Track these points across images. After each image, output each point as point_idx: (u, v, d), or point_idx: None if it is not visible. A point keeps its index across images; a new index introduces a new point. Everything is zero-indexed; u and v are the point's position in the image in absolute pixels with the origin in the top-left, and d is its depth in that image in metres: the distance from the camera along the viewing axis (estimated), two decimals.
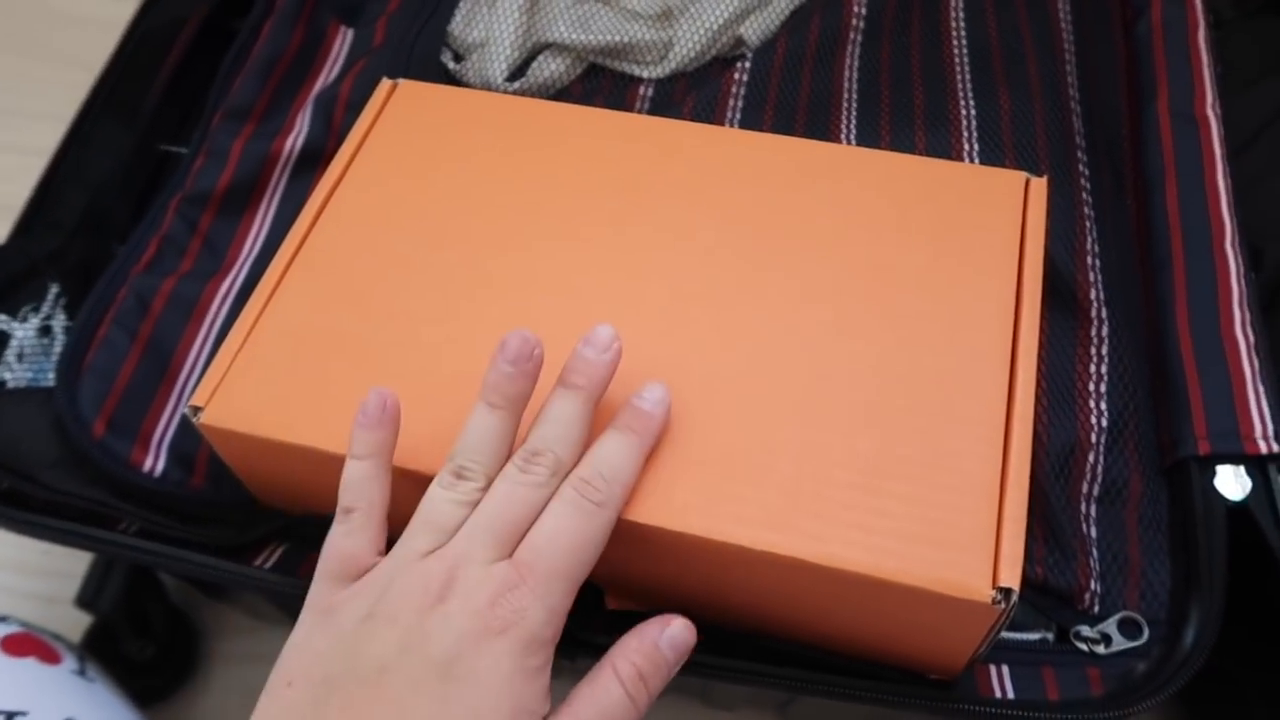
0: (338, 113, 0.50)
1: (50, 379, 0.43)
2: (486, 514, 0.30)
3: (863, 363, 0.35)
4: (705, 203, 0.40)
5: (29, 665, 0.40)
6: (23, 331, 0.43)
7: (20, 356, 0.43)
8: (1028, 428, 0.34)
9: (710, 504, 0.33)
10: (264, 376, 0.37)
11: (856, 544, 0.32)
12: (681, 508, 0.33)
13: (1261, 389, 0.40)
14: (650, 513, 0.33)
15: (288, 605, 0.47)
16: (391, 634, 0.28)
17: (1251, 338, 0.41)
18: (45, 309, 0.44)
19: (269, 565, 0.40)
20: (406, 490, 0.35)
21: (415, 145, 0.43)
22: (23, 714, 0.38)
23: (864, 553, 0.31)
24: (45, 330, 0.43)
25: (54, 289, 0.44)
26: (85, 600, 0.47)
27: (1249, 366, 0.40)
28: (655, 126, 0.43)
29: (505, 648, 0.28)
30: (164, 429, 0.42)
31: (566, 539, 0.30)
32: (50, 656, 0.41)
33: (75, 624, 0.48)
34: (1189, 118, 0.47)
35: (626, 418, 0.32)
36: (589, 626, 0.38)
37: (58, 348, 0.43)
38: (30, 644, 0.41)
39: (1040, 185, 0.40)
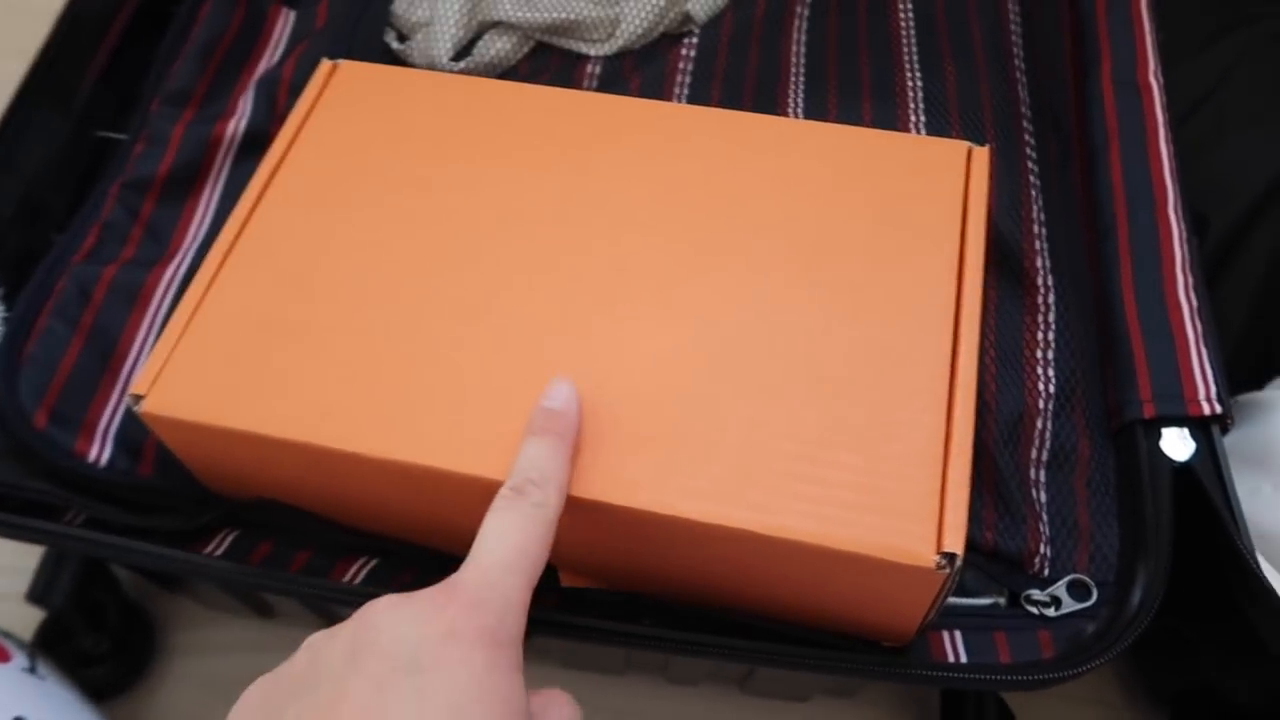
0: (281, 96, 0.49)
1: None
2: None
3: (807, 335, 0.35)
4: (651, 179, 0.40)
5: None
6: None
7: None
8: (970, 395, 0.34)
9: (659, 479, 0.33)
10: (206, 363, 0.36)
11: (803, 514, 0.32)
12: (631, 483, 0.33)
13: (1205, 352, 0.40)
14: (601, 489, 0.33)
15: (241, 593, 0.46)
16: (337, 645, 0.26)
17: (1195, 302, 0.41)
18: None
19: (220, 552, 0.39)
20: (355, 473, 0.35)
21: (357, 126, 0.42)
22: None
23: (811, 522, 0.32)
24: None
25: None
26: (36, 595, 0.47)
27: (1192, 330, 0.41)
28: (602, 104, 0.43)
29: (470, 642, 0.26)
30: (109, 418, 0.41)
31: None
32: (0, 654, 0.41)
33: (26, 620, 0.47)
34: (1132, 85, 0.48)
35: (539, 421, 0.32)
36: (543, 603, 0.38)
37: None
38: None
39: (982, 154, 0.40)
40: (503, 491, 0.30)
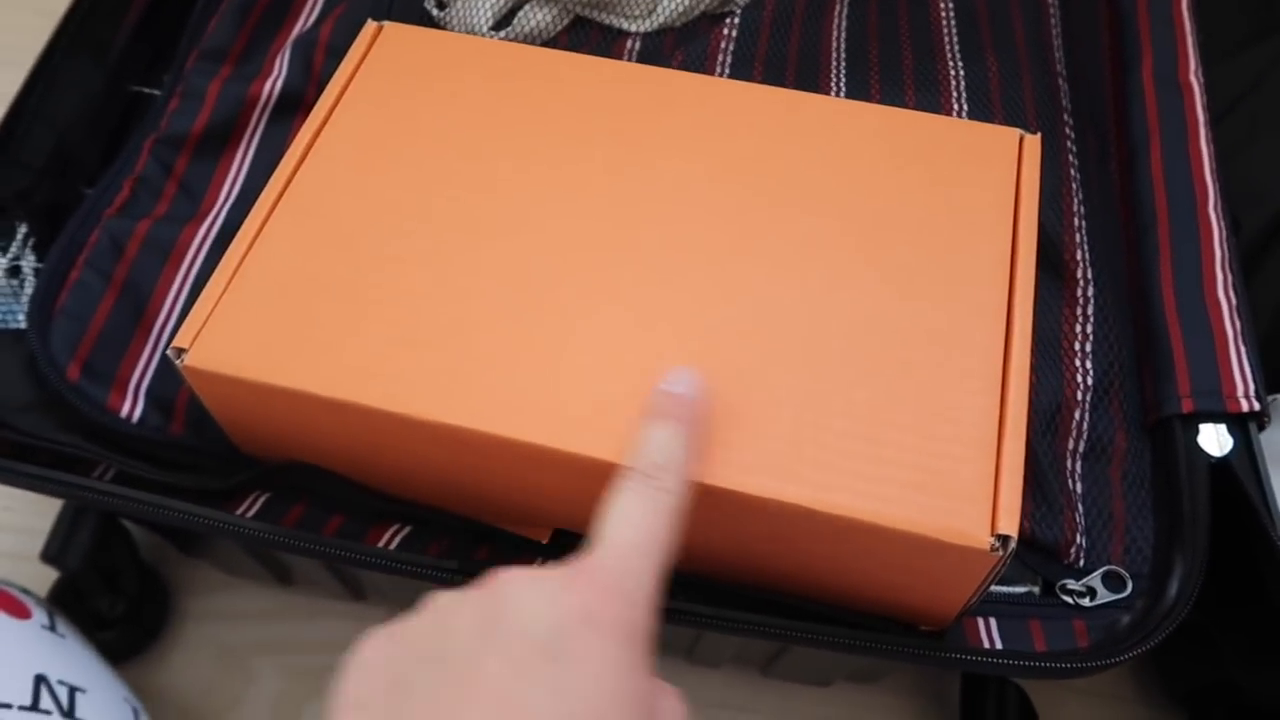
0: (317, 57, 0.48)
1: (20, 321, 0.41)
2: None
3: (861, 315, 0.35)
4: (700, 152, 0.40)
5: None
6: None
7: None
8: (1024, 380, 0.34)
9: (709, 450, 0.32)
10: (249, 319, 0.35)
11: (857, 492, 0.32)
12: None
13: (1243, 349, 0.40)
14: None
15: (266, 557, 0.46)
16: (466, 611, 0.25)
17: (1234, 299, 0.41)
18: (14, 249, 0.42)
19: (251, 514, 0.39)
20: (396, 436, 0.35)
21: (402, 89, 0.42)
22: None
23: (865, 500, 0.31)
24: (14, 271, 0.42)
25: (22, 229, 0.43)
26: (51, 556, 0.46)
27: (1231, 327, 0.41)
28: (647, 75, 0.43)
29: (608, 632, 0.24)
30: (141, 374, 0.40)
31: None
32: (20, 611, 0.40)
33: (40, 581, 0.46)
34: (1173, 84, 0.48)
35: (661, 405, 0.31)
36: None
37: (28, 289, 0.42)
38: None
39: (1034, 142, 0.40)
40: (628, 473, 0.29)
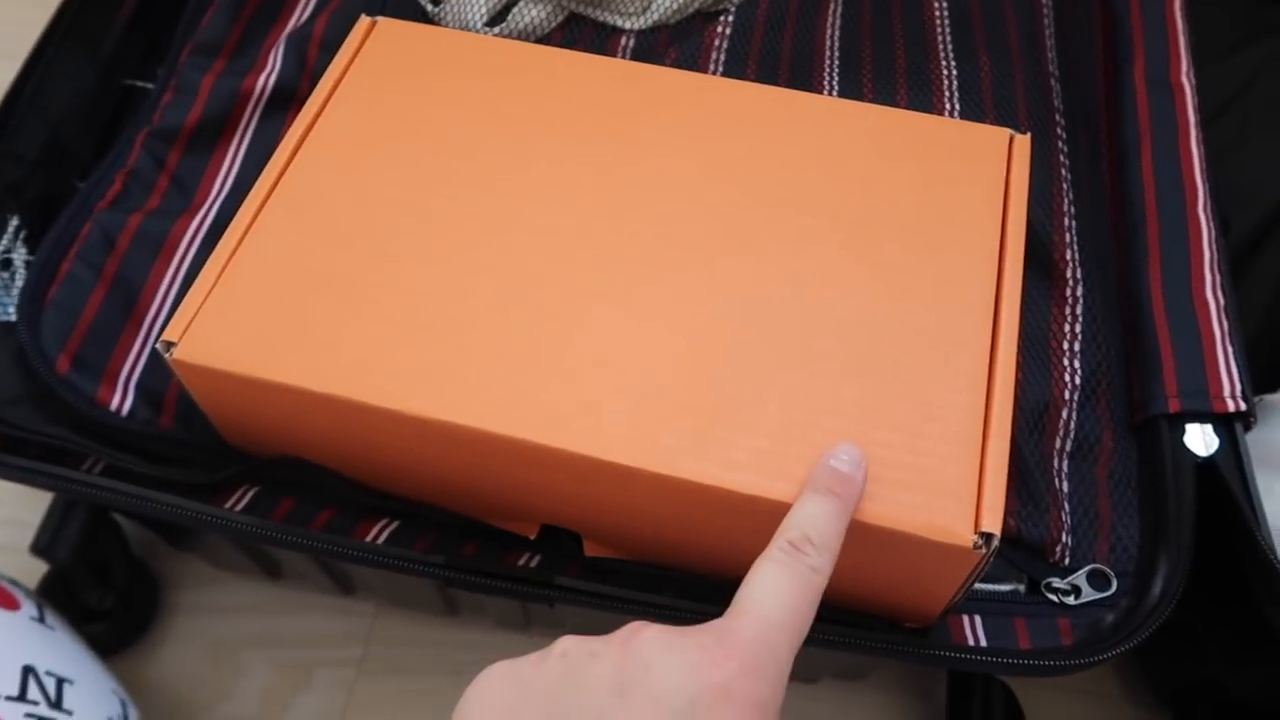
0: (311, 52, 0.48)
1: (10, 314, 0.41)
2: None
3: (849, 312, 0.35)
4: (691, 150, 0.40)
5: None
6: None
7: None
8: (1010, 380, 0.34)
9: (697, 447, 0.32)
10: (238, 312, 0.36)
11: None
12: (669, 452, 0.32)
13: (1230, 349, 0.40)
14: (639, 456, 0.32)
15: (255, 551, 0.46)
16: (601, 669, 0.24)
17: (1221, 300, 0.42)
18: (5, 241, 0.42)
19: (240, 508, 0.39)
20: (384, 430, 0.35)
21: (395, 83, 0.42)
22: None
23: None
24: (5, 264, 0.42)
25: (14, 221, 0.43)
26: (41, 548, 0.46)
27: (1219, 328, 0.41)
28: (640, 72, 0.43)
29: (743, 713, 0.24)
30: (131, 367, 0.40)
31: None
32: (8, 602, 0.40)
33: (29, 573, 0.46)
34: (1165, 85, 0.48)
35: (825, 480, 0.31)
36: (566, 571, 0.38)
37: (19, 282, 0.42)
38: None
39: (1024, 142, 0.40)
40: (779, 543, 0.28)
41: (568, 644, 0.25)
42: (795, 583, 0.27)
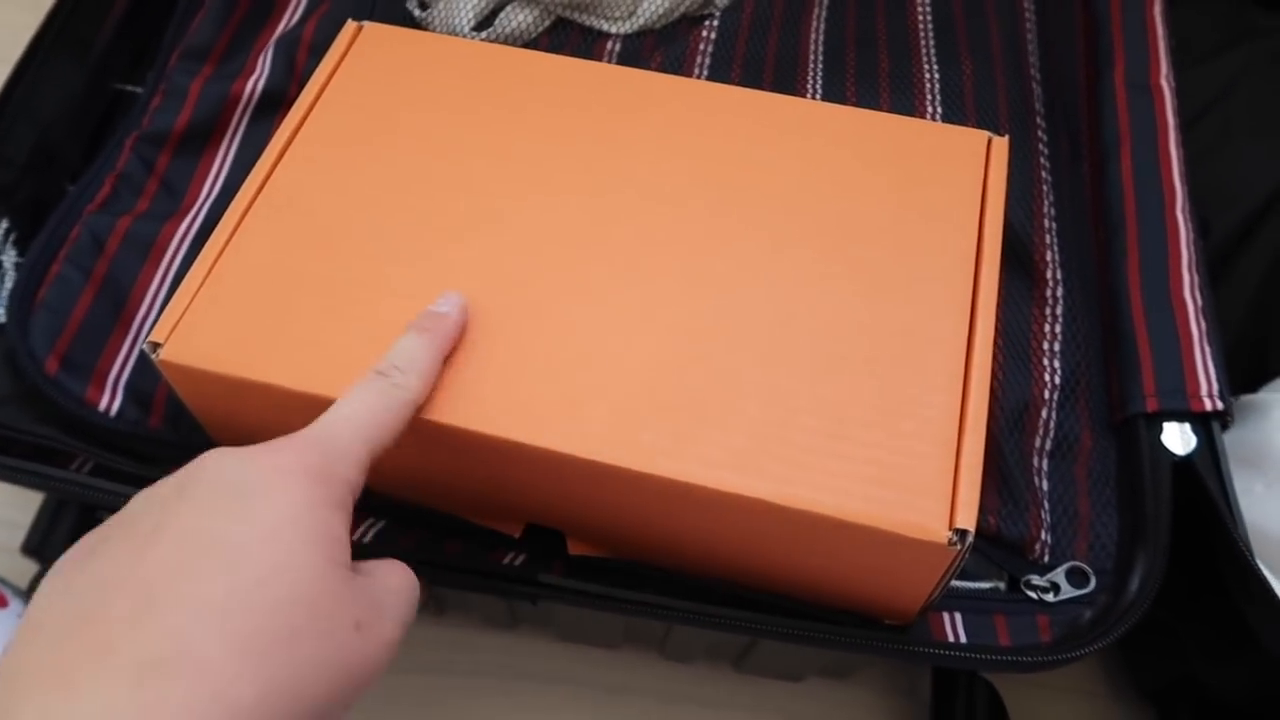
0: (300, 56, 0.49)
1: (0, 314, 0.41)
2: None
3: (827, 312, 0.36)
4: (674, 152, 0.40)
5: None
6: None
7: None
8: (986, 377, 0.35)
9: (677, 446, 0.33)
10: (225, 314, 0.36)
11: (819, 486, 0.32)
12: (649, 449, 0.33)
13: (1208, 349, 0.41)
14: (619, 455, 0.33)
15: None
16: (166, 484, 0.27)
17: (1199, 301, 0.42)
18: None
19: None
20: None
21: (381, 87, 0.42)
22: None
23: (826, 495, 0.32)
24: None
25: (3, 224, 0.43)
26: (32, 548, 0.46)
27: (1196, 328, 0.41)
28: (625, 76, 0.43)
29: (295, 475, 0.27)
30: (120, 368, 0.41)
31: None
32: None
33: (20, 573, 0.47)
34: (1144, 88, 0.48)
35: (420, 320, 0.34)
36: (550, 569, 0.38)
37: (9, 284, 0.42)
38: None
39: (1001, 144, 0.40)
40: (367, 373, 0.31)
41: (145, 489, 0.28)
42: (373, 393, 0.30)
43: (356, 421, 0.29)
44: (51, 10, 0.48)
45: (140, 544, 0.24)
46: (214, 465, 0.27)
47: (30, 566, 0.47)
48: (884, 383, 0.34)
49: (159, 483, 0.27)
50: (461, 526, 0.39)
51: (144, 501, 0.27)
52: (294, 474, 0.26)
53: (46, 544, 0.46)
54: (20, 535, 0.46)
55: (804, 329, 0.35)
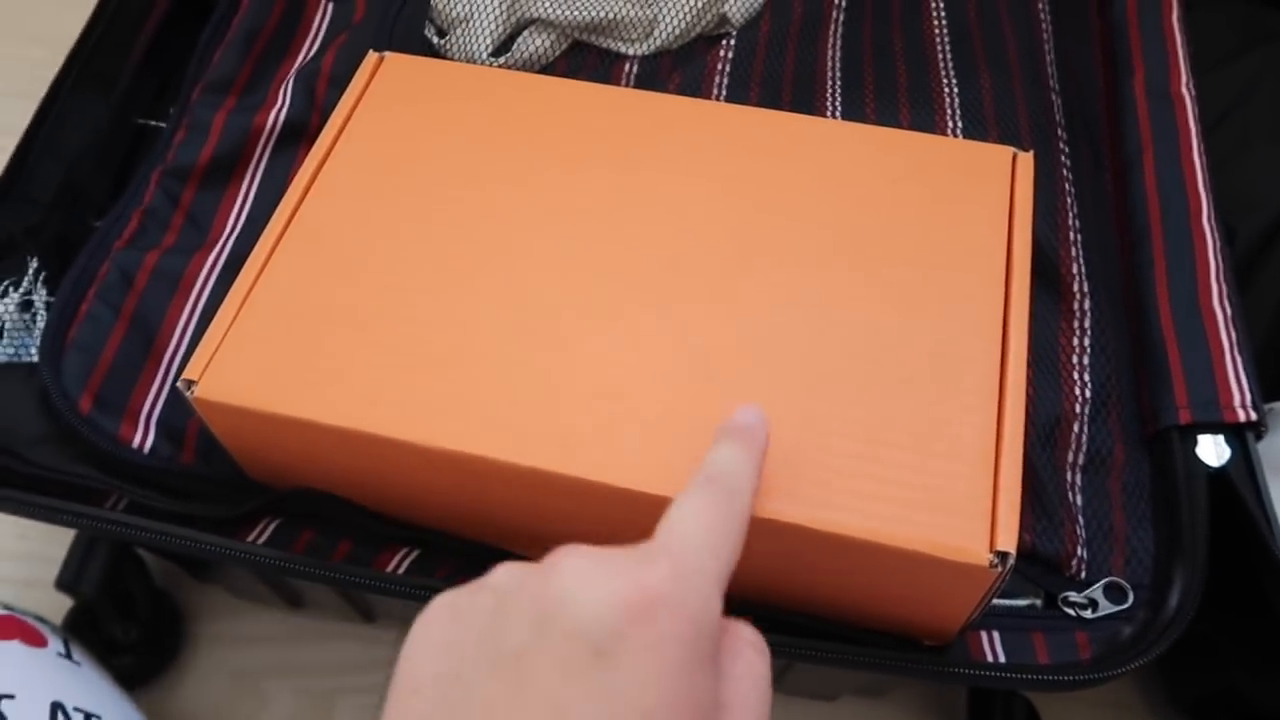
0: (320, 87, 0.49)
1: (32, 355, 0.42)
2: None
3: (858, 334, 0.36)
4: (697, 176, 0.40)
5: (14, 648, 0.39)
6: (2, 307, 0.42)
7: (1, 332, 0.42)
8: (1021, 397, 0.34)
9: None
10: (258, 350, 0.36)
11: (857, 510, 0.32)
12: (681, 476, 0.33)
13: (1239, 359, 0.41)
14: (650, 482, 0.33)
15: (276, 582, 0.46)
16: (524, 599, 0.24)
17: (1229, 309, 0.42)
18: (25, 284, 0.43)
19: (262, 540, 0.39)
20: (402, 461, 0.35)
21: (404, 118, 0.42)
22: (10, 697, 0.37)
23: (865, 519, 0.32)
24: (26, 305, 0.43)
25: (33, 264, 0.43)
26: (65, 583, 0.47)
27: (1227, 338, 0.41)
28: (645, 100, 0.43)
29: (666, 628, 0.23)
30: (151, 404, 0.41)
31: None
32: (35, 639, 0.41)
33: (55, 608, 0.47)
34: (1165, 96, 0.48)
35: (736, 431, 0.31)
36: None
37: (40, 323, 0.42)
38: (15, 626, 0.40)
39: (1027, 160, 0.40)
40: (693, 480, 0.28)
41: (500, 574, 0.25)
42: (712, 504, 0.27)
43: (711, 544, 0.25)
44: (74, 48, 0.48)
45: (502, 707, 0.22)
46: (575, 591, 0.23)
47: (65, 600, 0.47)
48: (917, 403, 0.34)
49: (519, 579, 0.24)
50: (495, 554, 0.39)
51: (501, 616, 0.23)
52: (665, 629, 0.22)
53: (81, 578, 0.46)
54: (55, 569, 0.47)
55: (834, 351, 0.35)
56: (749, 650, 0.25)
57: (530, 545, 0.39)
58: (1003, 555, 0.31)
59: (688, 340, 0.36)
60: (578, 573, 0.23)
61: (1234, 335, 0.41)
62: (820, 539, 0.32)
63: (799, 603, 0.36)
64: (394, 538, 0.40)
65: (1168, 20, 0.51)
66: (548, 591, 0.23)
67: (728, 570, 0.26)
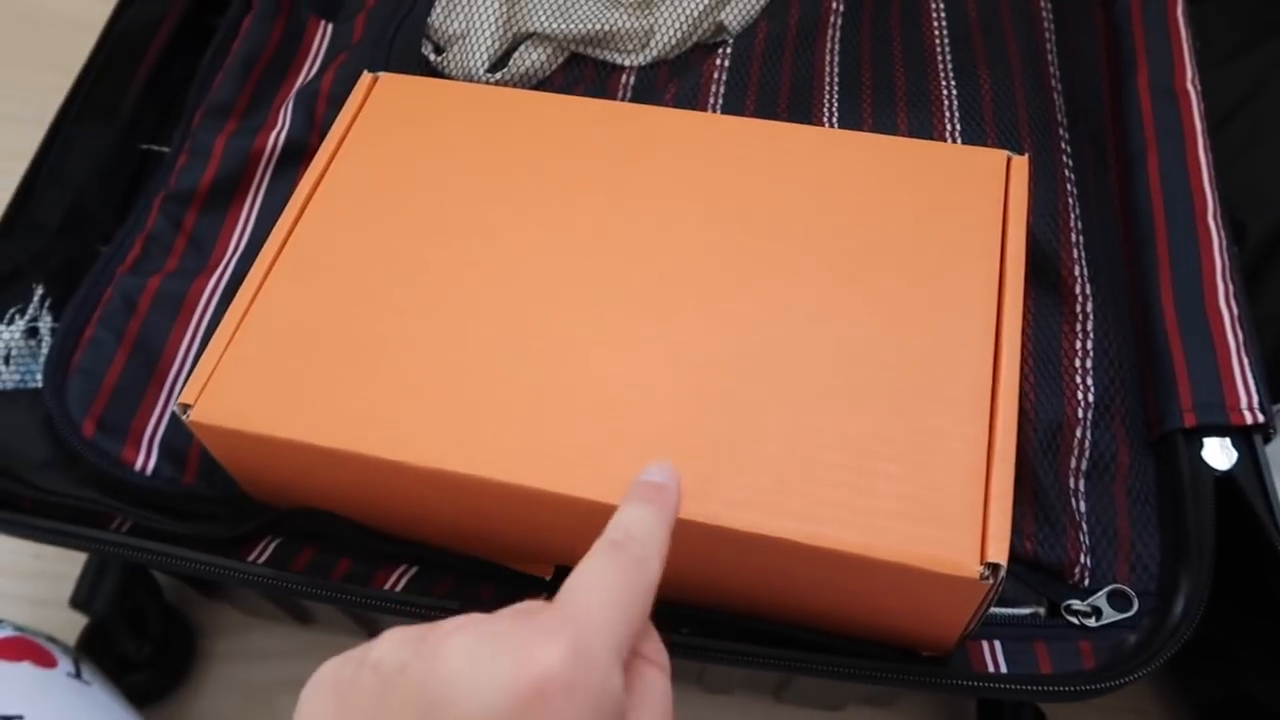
0: (320, 107, 0.50)
1: (38, 380, 0.42)
2: None
3: (849, 345, 0.36)
4: (691, 189, 0.40)
5: (24, 669, 0.40)
6: (9, 334, 0.43)
7: (7, 359, 0.43)
8: (1013, 406, 0.34)
9: (702, 488, 0.33)
10: (252, 372, 0.37)
11: (847, 524, 0.32)
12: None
13: (1246, 360, 0.40)
14: None
15: (283, 600, 0.47)
16: (409, 685, 0.22)
17: (1235, 310, 0.41)
18: (31, 310, 0.44)
19: (263, 559, 0.40)
20: (398, 481, 0.35)
21: (399, 138, 0.43)
22: (19, 718, 0.38)
23: (854, 532, 0.32)
24: (32, 332, 0.43)
25: (39, 290, 0.44)
26: (79, 602, 0.47)
27: (1233, 339, 0.41)
28: (639, 114, 0.43)
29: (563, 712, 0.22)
30: (154, 427, 0.42)
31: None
32: (45, 660, 0.41)
33: (68, 626, 0.48)
34: (1169, 92, 0.48)
35: (644, 490, 0.29)
36: None
37: (45, 349, 0.43)
38: (25, 648, 0.41)
39: (1021, 164, 0.40)
40: (600, 542, 0.26)
41: (381, 650, 0.23)
42: (621, 573, 0.25)
43: (612, 617, 0.24)
44: (79, 77, 0.49)
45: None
46: (462, 685, 0.22)
47: (78, 620, 0.48)
48: (909, 416, 0.34)
49: (399, 667, 0.23)
50: (494, 570, 0.39)
51: (384, 699, 0.22)
52: (559, 711, 0.21)
53: (93, 597, 0.47)
54: (66, 588, 0.48)
55: (826, 364, 0.35)
56: (655, 672, 0.25)
57: (528, 561, 0.39)
58: (994, 567, 0.31)
59: (681, 355, 0.36)
60: (466, 654, 0.22)
61: (1240, 335, 0.41)
62: (809, 553, 0.32)
63: (796, 615, 0.36)
64: (393, 555, 0.40)
65: (1172, 15, 0.50)
66: (433, 676, 0.22)
67: (630, 641, 0.24)
